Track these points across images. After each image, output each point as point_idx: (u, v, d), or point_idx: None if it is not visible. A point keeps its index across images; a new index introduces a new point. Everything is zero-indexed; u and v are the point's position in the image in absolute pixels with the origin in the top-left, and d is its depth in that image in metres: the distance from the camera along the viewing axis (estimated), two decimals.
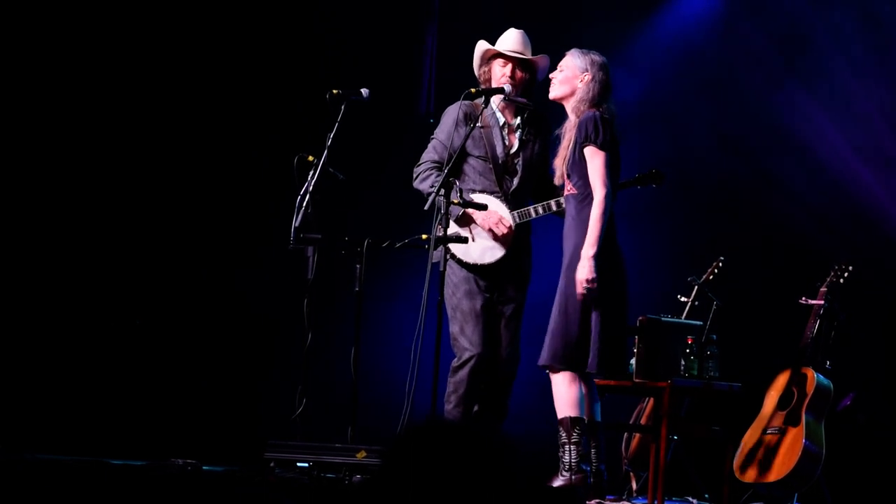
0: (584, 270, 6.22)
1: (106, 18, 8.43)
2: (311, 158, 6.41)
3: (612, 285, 6.30)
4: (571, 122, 6.42)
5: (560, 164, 6.43)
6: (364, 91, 6.57)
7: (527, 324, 6.91)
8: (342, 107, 6.52)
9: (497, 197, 6.81)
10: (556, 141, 6.52)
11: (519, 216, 6.80)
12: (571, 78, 6.46)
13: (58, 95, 8.36)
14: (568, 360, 6.29)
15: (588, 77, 6.42)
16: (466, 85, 6.67)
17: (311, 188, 6.38)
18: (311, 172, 6.41)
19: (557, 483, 6.25)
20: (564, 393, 6.32)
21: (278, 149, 6.50)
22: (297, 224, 6.33)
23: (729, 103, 8.79)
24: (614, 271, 6.32)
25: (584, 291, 6.22)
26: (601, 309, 6.26)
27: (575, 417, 6.28)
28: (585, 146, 6.30)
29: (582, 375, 6.32)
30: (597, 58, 6.45)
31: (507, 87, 6.72)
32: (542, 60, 6.90)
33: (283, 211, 6.53)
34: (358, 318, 6.38)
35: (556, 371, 6.33)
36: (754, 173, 8.66)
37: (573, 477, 6.24)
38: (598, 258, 6.22)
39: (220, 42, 8.64)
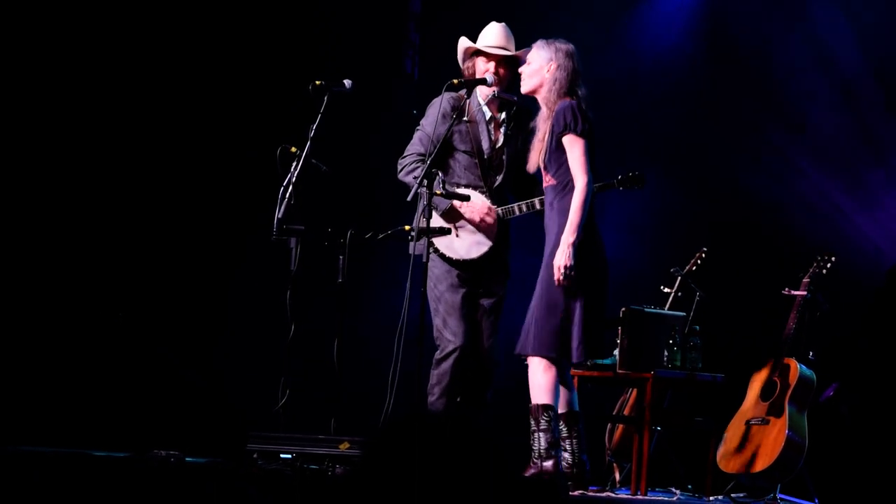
0: (563, 257, 6.22)
1: (96, 14, 8.39)
2: (293, 150, 6.39)
3: (594, 272, 6.30)
4: (544, 113, 6.42)
5: (536, 156, 6.42)
6: (347, 82, 6.55)
7: (502, 317, 6.93)
8: (325, 98, 6.50)
9: (481, 192, 6.80)
10: (531, 134, 6.50)
11: (504, 213, 6.80)
12: (538, 70, 6.45)
13: (43, 88, 8.31)
14: (550, 347, 6.28)
15: (554, 66, 6.40)
16: (450, 76, 6.67)
17: (294, 179, 6.37)
18: (294, 164, 6.39)
19: (530, 472, 6.24)
20: (540, 380, 6.31)
21: (272, 145, 6.46)
22: (280, 215, 6.31)
23: (712, 94, 8.79)
24: (595, 258, 6.32)
25: (562, 278, 6.22)
26: (582, 296, 6.26)
27: (544, 405, 6.28)
28: (564, 135, 6.29)
29: (559, 364, 6.31)
30: (562, 45, 6.43)
31: (490, 78, 6.69)
32: (526, 54, 6.87)
33: (266, 202, 6.51)
34: (342, 310, 6.36)
35: (534, 358, 6.34)
36: (737, 164, 8.66)
37: (543, 464, 6.24)
38: (579, 245, 6.22)
39: (214, 39, 8.62)
